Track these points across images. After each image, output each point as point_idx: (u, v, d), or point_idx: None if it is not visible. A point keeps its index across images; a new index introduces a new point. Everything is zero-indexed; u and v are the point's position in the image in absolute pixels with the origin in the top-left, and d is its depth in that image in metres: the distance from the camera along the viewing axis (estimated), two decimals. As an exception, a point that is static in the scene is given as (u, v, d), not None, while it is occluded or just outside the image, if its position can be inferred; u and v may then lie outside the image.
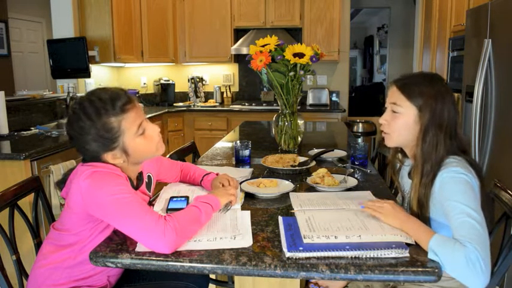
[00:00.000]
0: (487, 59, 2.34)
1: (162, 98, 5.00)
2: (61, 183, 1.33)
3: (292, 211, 1.34)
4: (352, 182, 1.65)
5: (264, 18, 4.61)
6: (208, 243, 1.11)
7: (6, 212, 1.44)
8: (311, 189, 1.62)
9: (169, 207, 1.34)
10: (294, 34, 4.74)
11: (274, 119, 2.34)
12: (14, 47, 6.20)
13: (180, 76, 5.14)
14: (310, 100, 4.76)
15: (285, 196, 1.52)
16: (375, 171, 1.92)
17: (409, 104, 1.25)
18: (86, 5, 4.05)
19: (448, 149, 1.21)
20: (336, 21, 4.51)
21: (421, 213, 1.23)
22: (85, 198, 1.16)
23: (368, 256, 1.03)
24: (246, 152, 2.04)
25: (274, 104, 4.55)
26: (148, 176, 1.46)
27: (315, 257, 1.03)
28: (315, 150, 2.17)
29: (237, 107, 4.62)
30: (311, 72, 2.21)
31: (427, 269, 0.99)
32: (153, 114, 4.10)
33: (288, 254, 1.04)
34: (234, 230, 1.19)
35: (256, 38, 2.36)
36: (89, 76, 3.84)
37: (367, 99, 7.86)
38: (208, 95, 5.09)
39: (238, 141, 2.06)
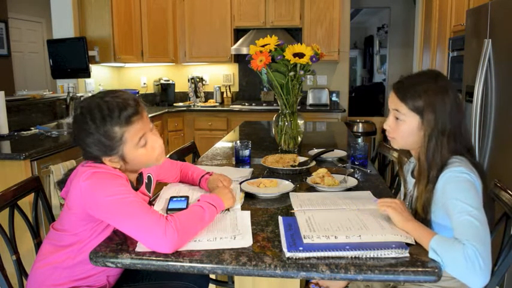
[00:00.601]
0: (487, 59, 2.34)
1: (162, 98, 5.00)
2: (62, 183, 1.33)
3: (292, 211, 1.34)
4: (352, 182, 1.65)
5: (264, 18, 4.61)
6: (208, 243, 1.11)
7: (6, 212, 1.44)
8: (311, 189, 1.62)
9: (169, 207, 1.34)
10: (294, 34, 4.74)
11: (274, 119, 2.34)
12: (14, 47, 6.20)
13: (180, 76, 5.14)
14: (310, 100, 4.76)
15: (285, 196, 1.52)
16: (375, 171, 1.92)
17: (410, 111, 1.23)
18: (86, 5, 4.05)
19: (452, 149, 1.21)
20: (336, 21, 4.51)
21: (424, 216, 1.23)
22: (85, 199, 1.16)
23: (368, 256, 1.03)
24: (246, 152, 2.04)
25: (274, 104, 4.55)
26: (148, 177, 1.46)
27: (315, 257, 1.03)
28: (315, 150, 2.17)
29: (237, 107, 4.62)
30: (311, 72, 2.21)
31: (427, 269, 0.99)
32: (153, 114, 4.10)
33: (288, 254, 1.04)
34: (234, 230, 1.19)
35: (256, 38, 2.36)
36: (89, 76, 3.84)
37: (367, 99, 7.86)
38: (208, 95, 5.09)
39: (238, 141, 2.06)
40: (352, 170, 1.87)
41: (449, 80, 3.16)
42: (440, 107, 1.20)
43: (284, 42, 2.18)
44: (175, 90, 5.09)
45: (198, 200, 1.27)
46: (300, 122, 2.31)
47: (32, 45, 6.71)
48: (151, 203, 1.43)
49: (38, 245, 1.50)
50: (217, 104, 4.91)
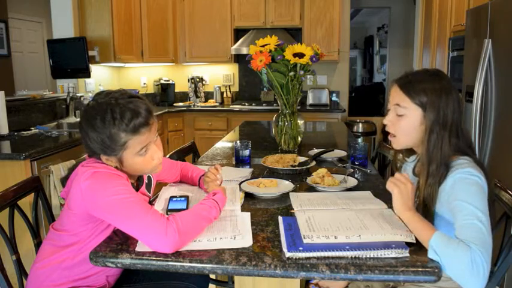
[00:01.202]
0: (487, 59, 2.34)
1: (162, 98, 5.00)
2: (65, 180, 1.33)
3: (292, 211, 1.34)
4: (352, 182, 1.65)
5: (264, 18, 4.61)
6: (208, 243, 1.11)
7: (6, 212, 1.44)
8: (311, 189, 1.62)
9: (169, 207, 1.34)
10: (294, 34, 4.74)
11: (274, 119, 2.34)
12: (14, 47, 6.20)
13: (180, 76, 5.14)
14: (310, 100, 4.76)
15: (285, 196, 1.52)
16: (375, 171, 1.92)
17: (413, 105, 1.23)
18: (86, 5, 4.05)
19: (454, 147, 1.21)
20: (335, 21, 4.51)
21: (424, 212, 1.23)
22: (86, 199, 1.16)
23: (368, 256, 1.03)
24: (246, 152, 2.04)
25: (274, 104, 4.55)
26: (148, 177, 1.46)
27: (315, 257, 1.02)
28: (315, 150, 2.17)
29: (237, 107, 4.62)
30: (311, 72, 2.21)
31: (427, 269, 0.99)
32: (153, 114, 4.09)
33: (288, 254, 1.04)
34: (234, 230, 1.19)
35: (256, 38, 2.36)
36: (89, 76, 3.84)
37: (367, 99, 7.87)
38: (208, 95, 5.09)
39: (238, 141, 2.06)
40: (352, 170, 1.87)
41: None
42: (443, 103, 1.20)
43: (284, 42, 2.18)
44: (175, 90, 5.09)
45: (205, 198, 1.29)
46: (300, 122, 2.31)
47: (32, 45, 6.71)
48: (151, 203, 1.43)
49: (38, 245, 1.50)
50: (217, 104, 4.91)
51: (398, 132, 1.29)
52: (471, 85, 2.50)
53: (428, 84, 1.22)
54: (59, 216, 1.32)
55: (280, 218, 1.28)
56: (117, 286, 1.41)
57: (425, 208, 1.23)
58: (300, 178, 1.77)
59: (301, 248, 1.05)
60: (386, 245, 1.05)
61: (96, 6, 4.03)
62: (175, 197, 1.42)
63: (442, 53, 3.69)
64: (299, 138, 2.33)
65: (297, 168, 1.87)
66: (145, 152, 1.24)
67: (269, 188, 1.58)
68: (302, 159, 2.00)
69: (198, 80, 4.96)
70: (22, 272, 1.43)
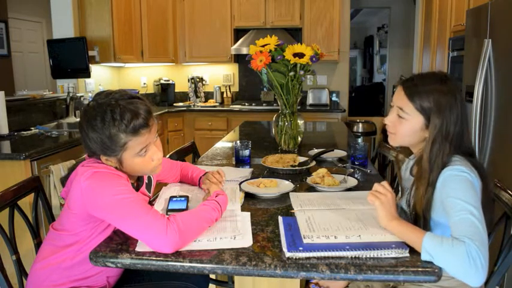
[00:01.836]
0: (487, 59, 2.34)
1: (162, 98, 5.00)
2: (65, 180, 1.33)
3: (292, 211, 1.34)
4: (352, 182, 1.65)
5: (264, 18, 4.61)
6: (208, 243, 1.11)
7: (6, 212, 1.44)
8: (311, 189, 1.62)
9: (169, 207, 1.34)
10: (294, 34, 4.74)
11: (274, 119, 2.34)
12: (14, 47, 6.20)
13: (180, 76, 5.14)
14: (310, 100, 4.76)
15: (285, 196, 1.52)
16: (375, 171, 1.92)
17: (416, 111, 1.23)
18: (86, 5, 4.05)
19: (453, 154, 1.20)
20: (336, 21, 4.51)
21: (424, 219, 1.22)
22: (86, 199, 1.16)
23: (368, 256, 1.03)
24: (246, 152, 2.04)
25: (274, 104, 4.55)
26: (148, 177, 1.46)
27: (315, 257, 1.03)
28: (315, 150, 2.17)
29: (237, 107, 4.62)
30: (311, 72, 2.21)
31: (427, 269, 0.99)
32: (153, 114, 4.09)
33: (288, 254, 1.04)
34: (234, 230, 1.19)
35: (256, 38, 2.36)
36: (89, 76, 3.84)
37: (367, 99, 7.86)
38: (208, 95, 5.09)
39: (238, 141, 2.06)
40: (352, 170, 1.87)
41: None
42: (447, 112, 1.20)
43: (284, 42, 2.18)
44: (175, 90, 5.09)
45: (208, 199, 1.29)
46: (300, 122, 2.31)
47: (32, 45, 6.71)
48: (151, 203, 1.43)
49: (38, 245, 1.50)
50: (217, 104, 4.91)
51: (398, 132, 1.29)
52: (471, 85, 2.50)
53: (434, 92, 1.21)
54: (58, 216, 1.32)
55: (280, 218, 1.28)
56: (118, 286, 1.41)
57: (424, 216, 1.22)
58: (300, 178, 1.77)
59: (301, 248, 1.05)
60: (387, 245, 1.05)
61: (96, 6, 4.03)
62: (175, 197, 1.42)
63: (442, 53, 3.69)
64: (299, 138, 2.33)
65: (297, 168, 1.87)
66: (145, 152, 1.24)
67: (269, 188, 1.58)
68: (302, 159, 2.00)
69: (198, 80, 4.96)
70: (22, 272, 1.43)
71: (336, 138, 3.03)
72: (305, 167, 1.88)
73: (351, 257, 1.03)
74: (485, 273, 0.99)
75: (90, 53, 3.92)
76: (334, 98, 4.99)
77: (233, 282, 1.57)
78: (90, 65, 3.81)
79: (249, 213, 1.34)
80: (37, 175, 1.63)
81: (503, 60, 2.24)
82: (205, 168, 1.67)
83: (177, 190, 1.56)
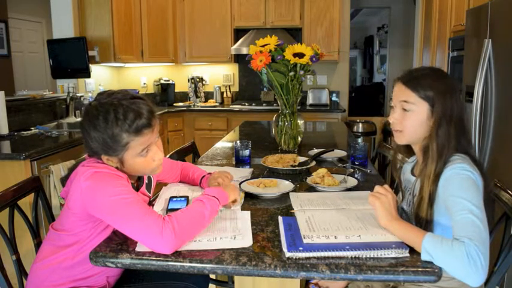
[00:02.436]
0: (487, 59, 2.34)
1: (162, 98, 5.00)
2: (65, 180, 1.33)
3: (292, 211, 1.34)
4: (352, 182, 1.65)
5: (264, 18, 4.61)
6: (208, 243, 1.11)
7: (6, 212, 1.44)
8: (311, 189, 1.62)
9: (169, 207, 1.34)
10: (294, 34, 4.74)
11: (274, 119, 2.34)
12: (14, 47, 6.20)
13: (180, 76, 5.14)
14: (310, 100, 4.76)
15: (285, 196, 1.52)
16: (375, 171, 1.92)
17: (420, 99, 1.23)
18: (86, 5, 4.05)
19: (457, 140, 1.21)
20: (336, 21, 4.51)
21: (427, 218, 1.21)
22: (85, 199, 1.16)
23: (368, 256, 1.03)
24: (246, 152, 2.04)
25: (274, 104, 4.55)
26: (149, 177, 1.46)
27: (315, 257, 1.02)
28: (315, 150, 2.17)
29: (237, 107, 4.62)
30: (311, 72, 2.21)
31: (427, 269, 0.99)
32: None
33: (288, 254, 1.04)
34: (234, 230, 1.19)
35: (256, 38, 2.36)
36: (89, 76, 3.84)
37: (367, 99, 7.86)
38: (208, 95, 5.09)
39: (238, 141, 2.06)
40: (352, 170, 1.87)
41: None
42: (449, 98, 1.22)
43: (284, 42, 2.18)
44: (175, 90, 5.09)
45: (202, 194, 1.27)
46: (300, 122, 2.31)
47: (32, 45, 6.71)
48: (151, 203, 1.43)
49: (38, 245, 1.50)
50: (217, 104, 4.91)
51: (405, 128, 1.28)
52: (471, 85, 2.49)
53: (434, 79, 1.24)
54: (58, 216, 1.32)
55: (280, 218, 1.28)
56: (118, 286, 1.41)
57: (427, 214, 1.22)
58: (300, 178, 1.77)
59: (301, 248, 1.05)
60: (387, 245, 1.05)
61: (96, 6, 4.03)
62: (176, 197, 1.43)
63: (442, 53, 3.69)
64: (299, 138, 2.33)
65: (297, 168, 1.87)
66: (147, 153, 1.24)
67: (269, 188, 1.58)
68: (302, 159, 2.00)
69: (198, 80, 4.97)
70: (22, 272, 1.43)
71: (336, 138, 3.03)
72: (305, 167, 1.88)
73: (351, 257, 1.03)
74: (485, 273, 0.99)
75: (90, 53, 3.92)
76: (334, 98, 4.99)
77: (233, 282, 1.57)
78: (90, 65, 3.81)
79: (249, 212, 1.34)
80: (37, 175, 1.63)
81: (503, 60, 2.24)
82: (205, 169, 1.67)
83: (177, 190, 1.56)
